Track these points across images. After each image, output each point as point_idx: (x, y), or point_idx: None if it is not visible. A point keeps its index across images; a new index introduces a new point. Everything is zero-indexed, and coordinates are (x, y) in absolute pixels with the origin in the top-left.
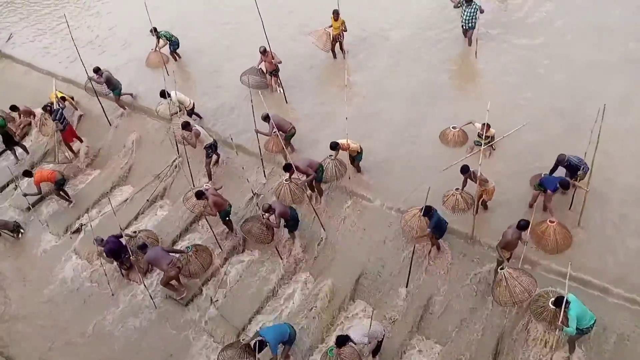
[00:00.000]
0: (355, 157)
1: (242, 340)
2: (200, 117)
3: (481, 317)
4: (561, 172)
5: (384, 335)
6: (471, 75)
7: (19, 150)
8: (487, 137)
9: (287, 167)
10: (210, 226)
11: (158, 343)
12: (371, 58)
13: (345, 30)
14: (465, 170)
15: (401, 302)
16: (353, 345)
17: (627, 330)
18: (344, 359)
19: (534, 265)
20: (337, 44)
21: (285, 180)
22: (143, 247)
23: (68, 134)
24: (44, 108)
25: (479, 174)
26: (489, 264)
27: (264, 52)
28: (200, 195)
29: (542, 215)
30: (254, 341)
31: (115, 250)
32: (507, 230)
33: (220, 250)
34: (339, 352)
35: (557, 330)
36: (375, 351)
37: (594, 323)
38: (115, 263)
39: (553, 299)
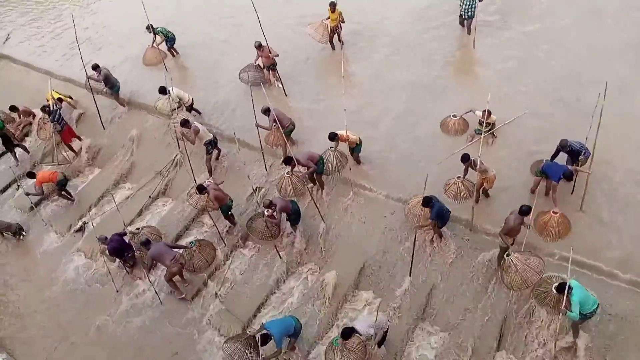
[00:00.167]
0: (355, 149)
1: (249, 332)
2: (199, 113)
3: (485, 303)
4: (562, 157)
5: (389, 326)
6: (470, 64)
7: (19, 151)
8: (488, 124)
9: (288, 160)
10: (213, 221)
11: (163, 341)
12: (369, 49)
13: (343, 22)
14: (465, 159)
15: (405, 291)
16: (359, 335)
17: (631, 314)
18: (350, 348)
19: (537, 251)
20: (335, 36)
21: (287, 174)
22: (146, 243)
23: (66, 134)
24: (43, 109)
25: (478, 163)
26: (492, 250)
27: (259, 46)
28: (201, 189)
29: (545, 201)
30: (258, 335)
31: (119, 248)
32: (509, 216)
33: (224, 245)
34: (344, 343)
35: (561, 314)
36: (381, 341)
37: (597, 307)
38: (118, 261)
39: (556, 284)
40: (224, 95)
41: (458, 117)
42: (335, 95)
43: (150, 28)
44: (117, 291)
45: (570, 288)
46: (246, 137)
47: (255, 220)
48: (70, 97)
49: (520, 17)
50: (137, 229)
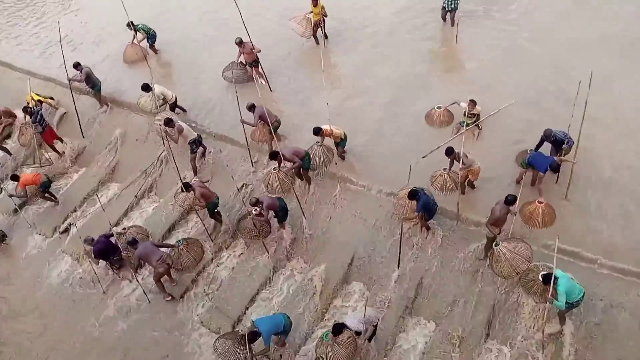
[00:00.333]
0: (339, 144)
1: (241, 331)
2: (184, 110)
3: (473, 293)
4: (547, 147)
5: (378, 320)
6: (454, 56)
7: (0, 153)
8: (473, 115)
9: (274, 155)
10: (201, 219)
11: (152, 342)
12: (354, 43)
13: (326, 16)
14: (450, 152)
15: (394, 284)
16: (349, 330)
17: (616, 300)
18: (340, 343)
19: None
20: (319, 30)
21: (274, 169)
22: (133, 243)
23: (48, 135)
24: (24, 110)
25: (462, 157)
26: (479, 241)
27: (240, 43)
28: (187, 187)
29: (530, 191)
30: (246, 332)
31: (104, 250)
32: (495, 206)
33: (212, 243)
34: (334, 338)
35: (548, 303)
36: (371, 336)
37: (582, 296)
38: (105, 264)
39: (543, 272)
40: (208, 92)
41: (443, 109)
42: (320, 89)
43: (130, 25)
44: (104, 292)
45: (555, 278)
46: (231, 134)
47: (244, 219)
48: (52, 98)
49: (503, 9)
50: (124, 228)
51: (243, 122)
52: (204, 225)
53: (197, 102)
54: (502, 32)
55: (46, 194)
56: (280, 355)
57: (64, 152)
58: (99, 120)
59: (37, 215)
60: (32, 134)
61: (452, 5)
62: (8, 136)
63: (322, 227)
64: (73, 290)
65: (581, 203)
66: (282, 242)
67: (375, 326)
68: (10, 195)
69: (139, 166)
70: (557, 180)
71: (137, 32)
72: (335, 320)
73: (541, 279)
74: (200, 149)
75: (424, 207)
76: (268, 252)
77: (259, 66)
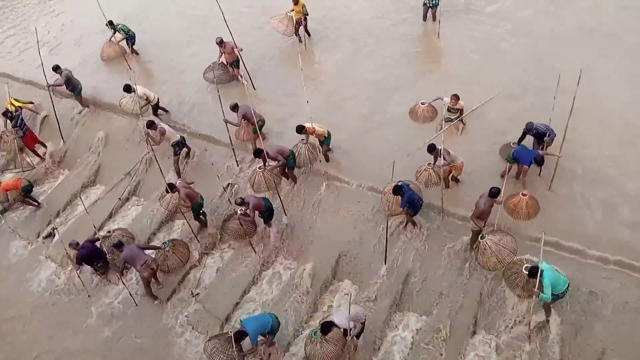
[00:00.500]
0: (324, 142)
1: (230, 332)
2: (167, 111)
3: (460, 286)
4: (529, 139)
5: (366, 317)
6: (436, 52)
7: None
8: (456, 109)
9: (258, 153)
10: (186, 220)
11: (139, 345)
12: (336, 40)
13: (307, 14)
14: (432, 149)
15: (381, 279)
16: (337, 328)
17: (600, 289)
18: (328, 340)
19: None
20: (302, 28)
21: (259, 168)
22: (119, 246)
23: (29, 139)
24: (4, 114)
25: (443, 153)
26: (464, 235)
27: (220, 43)
28: (171, 187)
29: (514, 184)
30: (232, 332)
31: (88, 255)
32: (479, 200)
33: (198, 244)
34: (323, 336)
35: (535, 296)
36: (359, 333)
37: (567, 287)
38: (90, 269)
39: (528, 266)
40: (191, 93)
41: (427, 105)
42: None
43: (110, 24)
44: (89, 295)
45: (541, 271)
46: (215, 133)
47: (230, 220)
48: (31, 103)
49: (483, 5)
50: (109, 232)
51: (226, 122)
52: (189, 225)
53: (179, 103)
54: (483, 27)
55: (27, 199)
56: (270, 354)
57: (44, 155)
58: (81, 122)
59: (19, 221)
60: (12, 139)
61: (434, 2)
62: None
63: (309, 225)
64: (57, 297)
65: (565, 194)
66: (268, 242)
67: (363, 323)
68: None
69: (123, 168)
70: (539, 172)
71: (117, 32)
72: (323, 318)
73: (527, 273)
74: (185, 149)
75: (409, 202)
76: (255, 252)
77: (240, 66)
